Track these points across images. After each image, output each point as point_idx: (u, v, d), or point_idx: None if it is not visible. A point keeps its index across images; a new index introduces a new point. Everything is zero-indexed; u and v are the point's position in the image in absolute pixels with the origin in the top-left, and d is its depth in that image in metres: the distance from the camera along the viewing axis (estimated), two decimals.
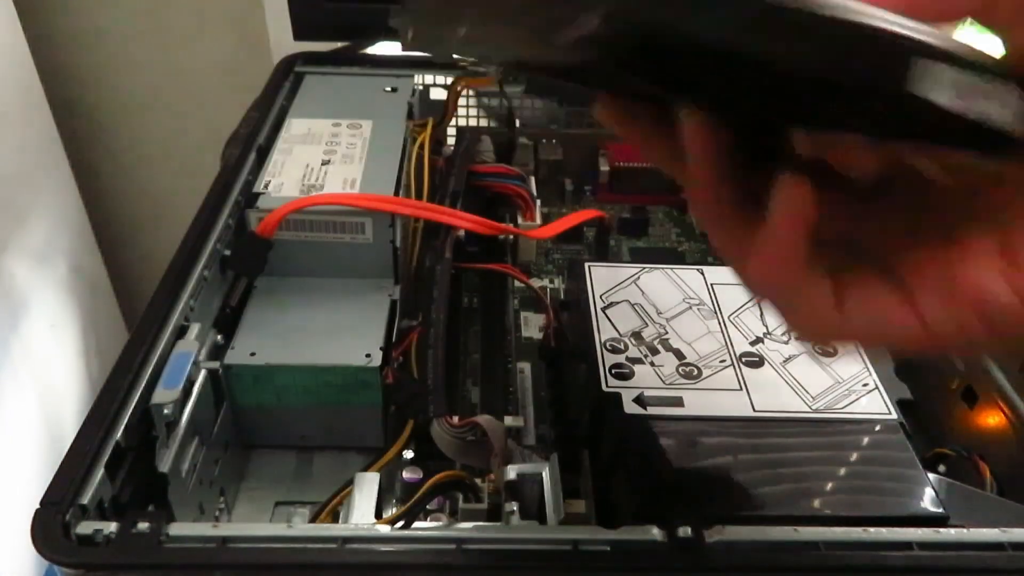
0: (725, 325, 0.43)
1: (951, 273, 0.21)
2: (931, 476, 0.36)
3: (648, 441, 0.36)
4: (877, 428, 0.37)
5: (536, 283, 0.59)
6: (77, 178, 0.86)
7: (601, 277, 0.46)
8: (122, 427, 0.33)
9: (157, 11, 0.83)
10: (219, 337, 0.43)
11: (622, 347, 0.41)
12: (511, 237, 0.55)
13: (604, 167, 0.69)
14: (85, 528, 0.29)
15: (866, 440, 0.37)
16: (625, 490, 0.35)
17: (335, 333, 0.44)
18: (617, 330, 0.42)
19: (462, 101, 0.68)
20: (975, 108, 0.18)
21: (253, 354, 0.42)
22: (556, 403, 0.48)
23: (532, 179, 0.59)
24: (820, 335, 0.29)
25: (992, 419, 0.42)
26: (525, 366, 0.52)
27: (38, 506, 0.29)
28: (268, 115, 0.56)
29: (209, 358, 0.41)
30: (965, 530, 0.31)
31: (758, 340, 0.42)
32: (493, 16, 0.23)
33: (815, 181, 0.21)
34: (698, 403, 0.38)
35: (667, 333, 0.42)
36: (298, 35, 0.65)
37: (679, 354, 0.41)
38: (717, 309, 0.44)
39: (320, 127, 0.55)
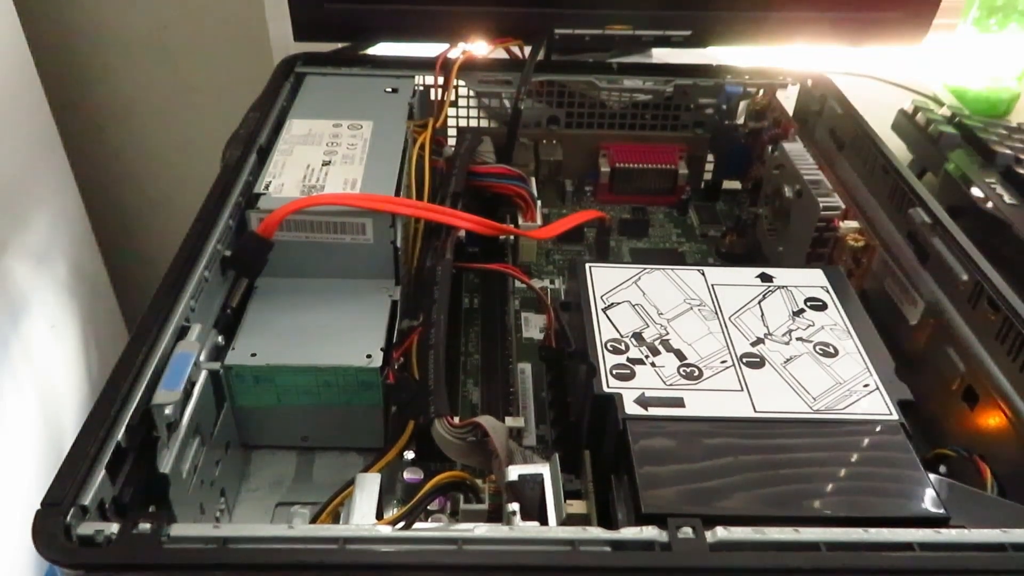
0: (726, 326, 0.43)
1: None
2: (932, 477, 0.36)
3: (649, 442, 0.36)
4: (878, 429, 0.37)
5: (537, 284, 0.59)
6: (77, 178, 0.85)
7: (602, 278, 0.46)
8: (123, 428, 0.33)
9: (156, 11, 0.83)
10: (220, 338, 0.43)
11: (623, 348, 0.41)
12: (511, 238, 0.55)
13: (604, 167, 0.69)
14: (86, 529, 0.29)
15: (867, 441, 0.37)
16: (626, 491, 0.35)
17: (336, 334, 0.44)
18: (618, 331, 0.42)
19: (462, 102, 0.68)
20: None
21: (254, 355, 0.42)
22: (557, 404, 0.48)
23: (532, 179, 0.59)
24: None
25: (992, 419, 0.42)
26: (526, 367, 0.52)
27: (39, 507, 0.29)
28: (268, 116, 0.56)
29: (210, 359, 0.41)
30: (966, 531, 0.31)
31: (759, 341, 0.42)
32: None
33: None
34: (699, 404, 0.38)
35: (668, 334, 0.42)
36: (298, 35, 0.65)
37: (680, 355, 0.41)
38: (718, 310, 0.44)
39: (321, 128, 0.55)
